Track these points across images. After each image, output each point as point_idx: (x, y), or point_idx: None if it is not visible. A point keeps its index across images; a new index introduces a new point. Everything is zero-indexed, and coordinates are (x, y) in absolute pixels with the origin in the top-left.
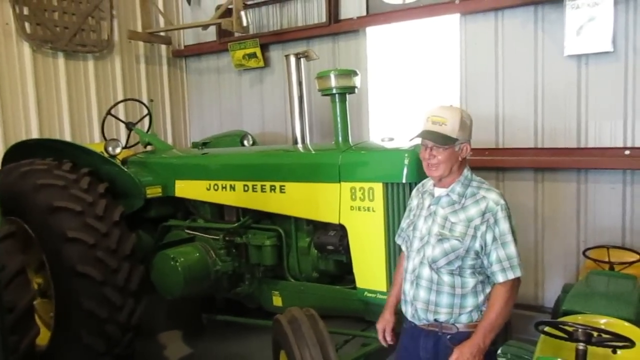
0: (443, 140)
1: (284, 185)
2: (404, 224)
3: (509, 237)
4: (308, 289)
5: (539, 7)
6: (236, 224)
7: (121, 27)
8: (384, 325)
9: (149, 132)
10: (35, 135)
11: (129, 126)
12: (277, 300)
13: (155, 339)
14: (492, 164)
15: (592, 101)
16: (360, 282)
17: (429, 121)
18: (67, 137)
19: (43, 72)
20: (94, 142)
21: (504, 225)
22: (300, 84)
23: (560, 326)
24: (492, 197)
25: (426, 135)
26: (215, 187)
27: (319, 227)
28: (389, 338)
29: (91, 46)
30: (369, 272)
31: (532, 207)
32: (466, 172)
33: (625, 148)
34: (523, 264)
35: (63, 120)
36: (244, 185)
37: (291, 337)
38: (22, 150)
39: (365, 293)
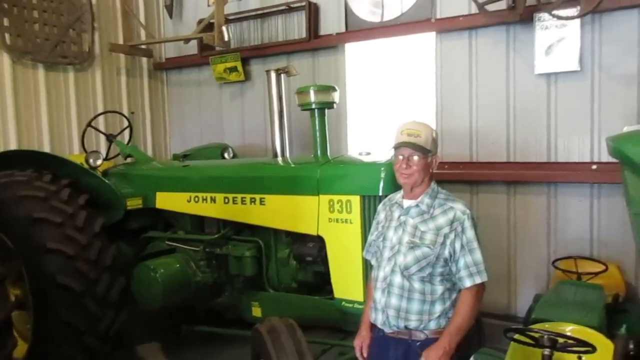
0: (421, 149)
1: (264, 198)
2: (371, 238)
3: (475, 244)
4: (287, 299)
5: (511, 27)
6: (216, 236)
7: (102, 39)
8: (361, 341)
9: (129, 144)
10: (13, 146)
11: (110, 138)
12: (257, 311)
13: (134, 351)
14: (466, 177)
15: (561, 118)
16: (338, 292)
17: (403, 134)
18: (46, 149)
19: (23, 83)
20: (73, 153)
21: (471, 233)
22: (280, 98)
23: (527, 333)
24: (459, 207)
25: (407, 144)
26: (196, 199)
27: (298, 238)
28: (365, 354)
29: (72, 58)
30: (346, 282)
31: (505, 219)
32: (433, 184)
33: (592, 163)
34: (492, 274)
35: (42, 131)
36: (225, 198)
37: (270, 347)
38: (0, 162)
39: (343, 303)
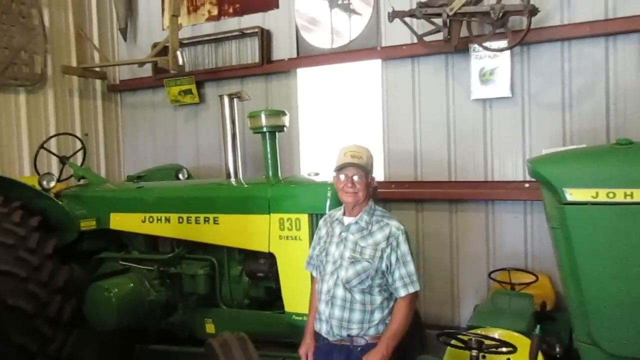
0: (364, 169)
1: (217, 217)
2: (313, 252)
3: (408, 257)
4: (240, 315)
5: (449, 56)
6: (170, 255)
7: (55, 61)
8: (306, 349)
9: (82, 166)
10: None
11: (63, 160)
12: (210, 328)
13: None
14: (412, 195)
15: (496, 139)
16: (288, 307)
17: (347, 155)
18: None
19: None
20: (23, 175)
21: (405, 247)
22: (233, 122)
23: (457, 336)
24: (394, 224)
25: (352, 165)
26: (151, 219)
27: (250, 255)
28: None
29: (23, 80)
30: (296, 296)
31: (448, 235)
32: (371, 202)
33: (525, 181)
34: (436, 287)
35: None
36: (179, 217)
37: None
38: None
39: (293, 316)
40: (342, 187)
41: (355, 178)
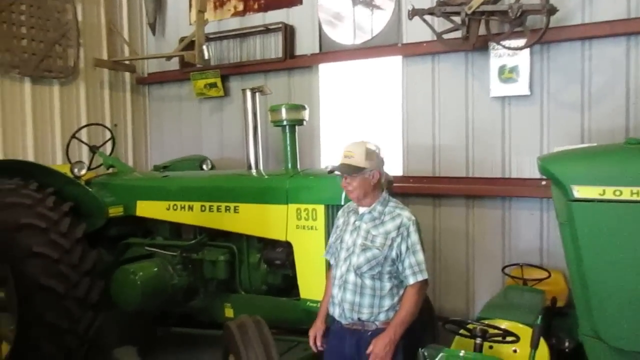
0: (351, 171)
1: (237, 206)
2: (331, 240)
3: (418, 247)
4: (257, 301)
5: (469, 54)
6: (193, 242)
7: (87, 54)
8: (315, 331)
9: (111, 155)
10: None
11: (93, 149)
12: (229, 312)
13: (111, 353)
14: (430, 191)
15: (514, 137)
16: (303, 293)
17: (341, 156)
18: (30, 159)
19: (9, 96)
20: (56, 163)
21: (415, 237)
22: (255, 115)
23: (463, 325)
24: (405, 215)
25: (338, 168)
26: (175, 207)
27: (268, 244)
28: (319, 343)
29: (57, 72)
30: (311, 284)
31: (464, 231)
32: (384, 194)
33: (542, 179)
34: (451, 281)
35: (27, 142)
36: (201, 206)
37: (239, 340)
38: None
39: (308, 303)
40: (342, 185)
41: (348, 178)
